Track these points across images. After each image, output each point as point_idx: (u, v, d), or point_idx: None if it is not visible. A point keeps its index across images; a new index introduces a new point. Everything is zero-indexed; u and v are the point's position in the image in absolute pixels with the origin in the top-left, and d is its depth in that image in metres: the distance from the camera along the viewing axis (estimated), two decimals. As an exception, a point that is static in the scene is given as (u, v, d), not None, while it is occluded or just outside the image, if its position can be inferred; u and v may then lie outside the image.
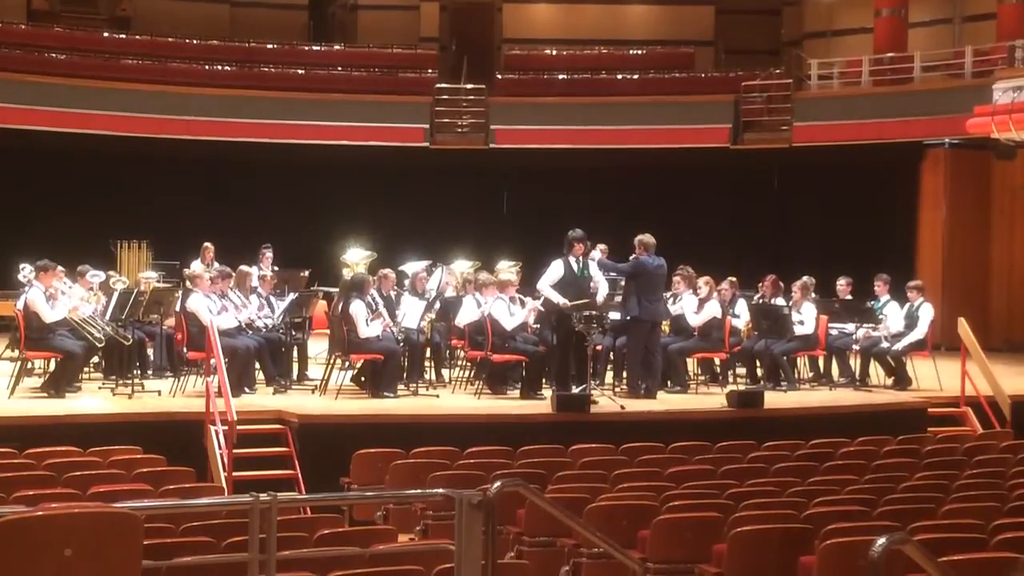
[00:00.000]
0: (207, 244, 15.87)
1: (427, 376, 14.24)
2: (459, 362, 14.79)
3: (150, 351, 14.19)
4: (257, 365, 13.29)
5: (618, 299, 13.81)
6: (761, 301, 14.98)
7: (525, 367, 13.29)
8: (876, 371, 14.98)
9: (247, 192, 21.76)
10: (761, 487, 8.92)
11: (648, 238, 13.32)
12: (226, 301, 13.16)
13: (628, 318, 13.19)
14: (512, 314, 13.20)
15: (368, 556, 6.43)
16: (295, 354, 14.28)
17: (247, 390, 12.80)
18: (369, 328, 12.82)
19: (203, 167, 21.60)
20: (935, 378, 14.39)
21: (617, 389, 13.70)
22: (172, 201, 21.36)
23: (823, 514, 7.84)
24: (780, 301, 14.84)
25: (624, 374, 14.23)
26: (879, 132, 21.36)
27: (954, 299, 19.49)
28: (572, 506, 7.69)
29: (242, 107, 21.92)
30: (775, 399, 13.27)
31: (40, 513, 4.65)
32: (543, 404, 12.54)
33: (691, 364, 14.83)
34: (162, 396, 12.66)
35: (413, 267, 15.00)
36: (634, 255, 13.32)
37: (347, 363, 13.28)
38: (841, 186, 21.96)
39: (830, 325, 14.89)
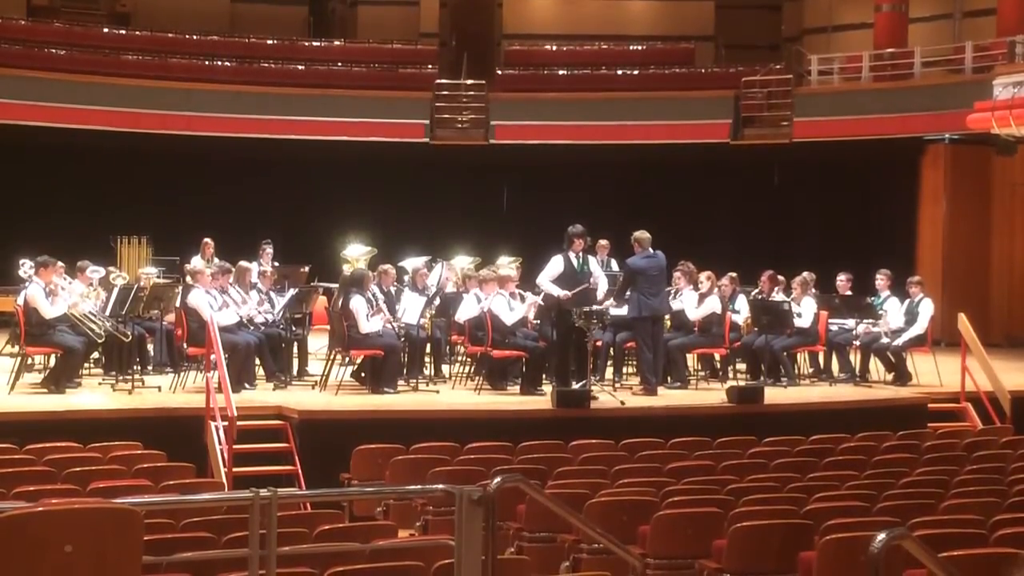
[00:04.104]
0: (207, 240, 15.87)
1: (427, 372, 14.24)
2: (459, 358, 14.80)
3: (150, 347, 14.18)
4: (257, 361, 13.29)
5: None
6: (760, 297, 14.99)
7: (525, 363, 13.28)
8: (876, 367, 14.97)
9: (247, 188, 21.74)
10: (761, 483, 8.93)
11: (643, 235, 13.34)
12: (226, 297, 13.15)
13: (631, 317, 13.20)
14: (512, 309, 13.21)
15: (368, 552, 6.44)
16: (295, 350, 14.28)
17: (247, 386, 12.80)
18: (369, 324, 12.82)
19: (203, 163, 21.58)
20: (935, 374, 14.38)
21: (617, 385, 13.72)
22: (172, 197, 21.34)
23: (823, 509, 7.85)
24: (778, 296, 14.85)
25: (624, 370, 14.30)
26: (879, 128, 21.34)
27: (954, 295, 19.49)
28: (572, 502, 7.69)
29: (242, 103, 21.90)
30: (775, 395, 13.27)
31: (40, 509, 4.65)
32: (543, 400, 12.54)
33: (691, 360, 14.84)
34: (162, 392, 12.65)
35: (413, 263, 15.00)
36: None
37: (347, 359, 13.28)
38: (841, 182, 21.96)
39: (830, 321, 14.89)
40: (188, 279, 14.33)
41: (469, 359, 14.19)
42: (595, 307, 12.61)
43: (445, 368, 14.75)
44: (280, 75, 23.32)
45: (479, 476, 8.35)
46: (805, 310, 14.58)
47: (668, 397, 13.20)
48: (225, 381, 11.21)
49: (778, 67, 23.37)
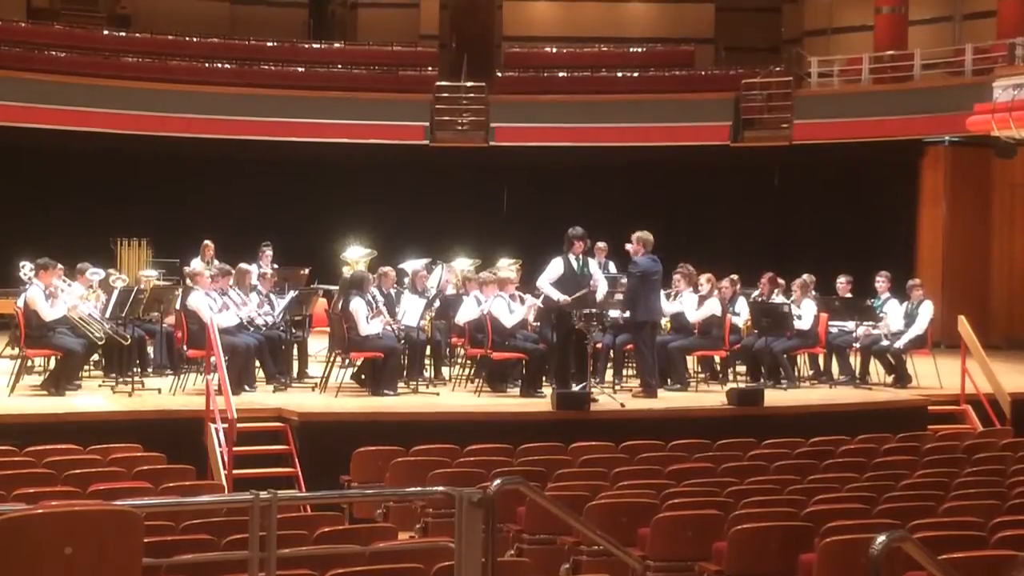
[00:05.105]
0: (207, 242, 15.87)
1: (427, 374, 14.24)
2: (459, 360, 14.79)
3: (150, 349, 14.19)
4: (257, 363, 13.29)
5: (618, 297, 13.79)
6: (760, 299, 14.99)
7: (525, 365, 13.28)
8: (876, 369, 14.97)
9: (247, 190, 21.74)
10: (761, 485, 8.93)
11: (646, 235, 13.27)
12: (226, 299, 13.16)
13: (636, 321, 13.15)
14: (512, 312, 13.21)
15: (368, 554, 6.44)
16: (295, 352, 14.28)
17: (247, 388, 12.80)
18: (369, 326, 12.82)
19: (203, 165, 21.57)
20: (935, 376, 14.38)
21: (617, 387, 13.71)
22: (172, 199, 21.34)
23: (823, 512, 7.85)
24: (778, 298, 14.85)
25: (624, 372, 14.30)
26: (879, 130, 21.34)
27: (954, 296, 19.49)
28: (572, 504, 7.70)
29: (242, 105, 21.90)
30: (775, 397, 13.27)
31: (40, 511, 4.65)
32: (543, 402, 12.54)
33: (691, 362, 14.83)
34: (162, 394, 12.65)
35: (413, 265, 14.99)
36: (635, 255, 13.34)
37: (347, 361, 13.27)
38: (841, 184, 21.95)
39: (830, 323, 14.89)
40: (188, 281, 14.33)
41: (469, 361, 14.18)
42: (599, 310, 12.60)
43: (445, 370, 14.74)
44: (280, 77, 23.31)
45: (479, 478, 8.35)
46: (805, 312, 14.58)
47: (668, 399, 13.20)
48: (225, 383, 11.20)
49: (778, 69, 23.37)
